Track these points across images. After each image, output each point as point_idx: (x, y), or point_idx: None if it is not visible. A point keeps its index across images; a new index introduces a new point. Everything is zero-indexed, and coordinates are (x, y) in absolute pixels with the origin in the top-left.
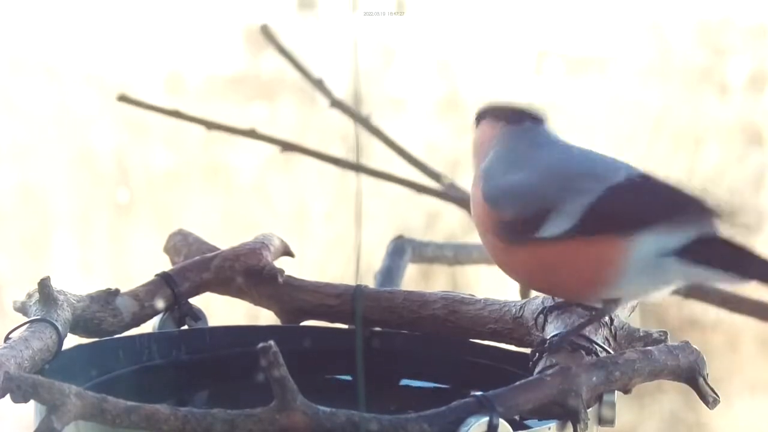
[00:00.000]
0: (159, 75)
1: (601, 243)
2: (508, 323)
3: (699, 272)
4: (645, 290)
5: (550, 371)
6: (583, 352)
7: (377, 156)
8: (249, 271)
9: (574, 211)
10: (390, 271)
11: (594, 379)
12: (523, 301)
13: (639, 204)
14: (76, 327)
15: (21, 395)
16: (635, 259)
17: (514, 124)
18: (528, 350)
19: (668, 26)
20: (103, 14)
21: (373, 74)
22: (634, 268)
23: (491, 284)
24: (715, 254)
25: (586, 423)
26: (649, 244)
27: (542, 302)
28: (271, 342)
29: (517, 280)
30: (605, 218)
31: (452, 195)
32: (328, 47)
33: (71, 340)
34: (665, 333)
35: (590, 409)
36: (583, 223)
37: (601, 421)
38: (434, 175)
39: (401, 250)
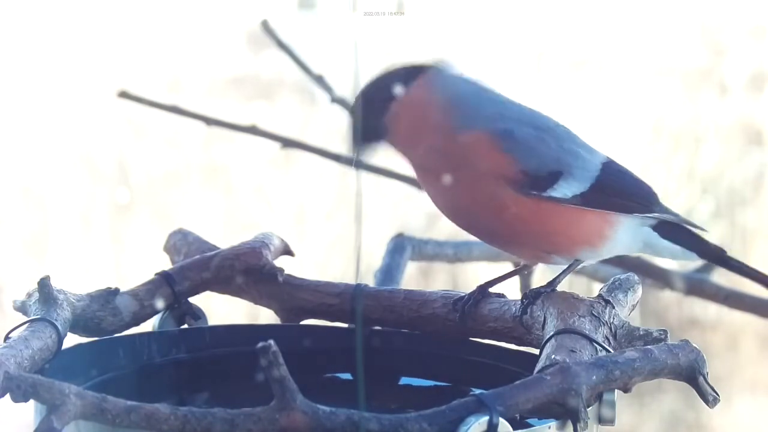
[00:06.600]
0: (160, 76)
1: (601, 215)
2: (507, 322)
3: (665, 245)
4: (620, 252)
5: (549, 370)
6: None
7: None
8: (249, 270)
9: (583, 181)
10: (390, 269)
11: (594, 378)
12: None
13: (627, 191)
14: (76, 326)
15: (21, 395)
16: (623, 230)
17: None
18: (527, 349)
19: (668, 26)
20: (105, 15)
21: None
22: (620, 236)
23: None
24: (679, 235)
25: (586, 422)
26: (634, 220)
27: (542, 302)
28: (271, 341)
29: (502, 232)
30: (605, 194)
31: None
32: (328, 47)
33: (71, 340)
34: (665, 332)
35: (590, 408)
36: (590, 193)
37: (601, 420)
38: None
39: (401, 248)
